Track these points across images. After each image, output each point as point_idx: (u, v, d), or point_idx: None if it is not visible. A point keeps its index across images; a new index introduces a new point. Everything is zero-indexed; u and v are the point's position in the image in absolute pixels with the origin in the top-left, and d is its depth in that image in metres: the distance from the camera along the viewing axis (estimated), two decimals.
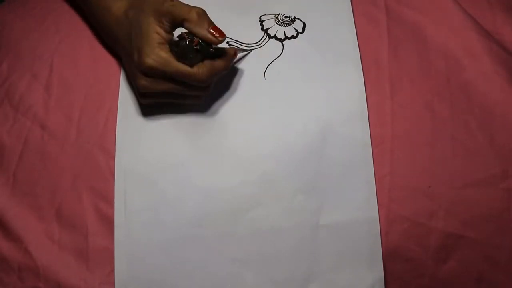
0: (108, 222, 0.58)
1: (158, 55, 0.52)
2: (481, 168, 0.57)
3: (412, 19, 0.63)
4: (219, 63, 0.55)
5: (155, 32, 0.53)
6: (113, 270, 0.57)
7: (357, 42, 0.62)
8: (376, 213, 0.56)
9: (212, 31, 0.54)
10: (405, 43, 0.62)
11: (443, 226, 0.56)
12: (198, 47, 0.54)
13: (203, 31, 0.53)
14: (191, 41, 0.53)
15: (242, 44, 0.63)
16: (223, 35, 0.54)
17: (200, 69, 0.54)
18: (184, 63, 0.53)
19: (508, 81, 0.59)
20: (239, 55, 0.61)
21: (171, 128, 0.59)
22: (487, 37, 0.61)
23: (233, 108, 0.60)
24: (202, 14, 0.54)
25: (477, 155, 0.57)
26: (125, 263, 0.57)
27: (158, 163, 0.58)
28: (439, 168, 0.57)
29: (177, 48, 0.54)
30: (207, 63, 0.54)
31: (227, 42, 0.63)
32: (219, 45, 0.55)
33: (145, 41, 0.53)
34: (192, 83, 0.54)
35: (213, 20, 0.55)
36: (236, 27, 0.63)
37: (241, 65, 0.62)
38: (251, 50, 0.62)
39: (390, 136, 0.58)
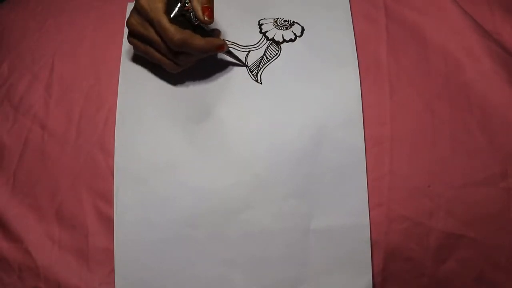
0: (108, 222, 0.58)
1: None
2: (481, 168, 0.57)
3: (411, 19, 0.63)
4: (198, 40, 0.56)
5: None
6: (113, 270, 0.57)
7: (355, 46, 0.62)
8: (367, 220, 0.56)
9: (204, 8, 0.56)
10: (404, 43, 0.62)
11: (442, 225, 0.56)
12: (185, 13, 0.56)
13: (196, 3, 0.56)
14: (183, 4, 0.56)
15: (240, 47, 0.63)
16: (210, 17, 0.56)
17: (176, 30, 0.55)
18: (168, 18, 0.55)
19: (507, 81, 0.59)
20: (227, 55, 0.62)
21: (167, 129, 0.60)
22: (486, 37, 0.61)
23: (228, 109, 0.60)
24: None
25: (476, 155, 0.57)
26: (125, 263, 0.57)
27: (150, 162, 0.59)
28: (439, 168, 0.57)
29: (168, 1, 0.56)
30: (187, 31, 0.56)
31: None
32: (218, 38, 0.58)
33: None
34: (163, 37, 0.56)
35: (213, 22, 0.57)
36: (234, 30, 0.63)
37: (237, 67, 0.62)
38: (244, 63, 0.62)
39: (389, 136, 0.58)
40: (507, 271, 0.57)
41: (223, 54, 0.62)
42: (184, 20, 0.57)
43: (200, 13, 0.56)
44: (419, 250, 0.56)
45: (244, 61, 0.62)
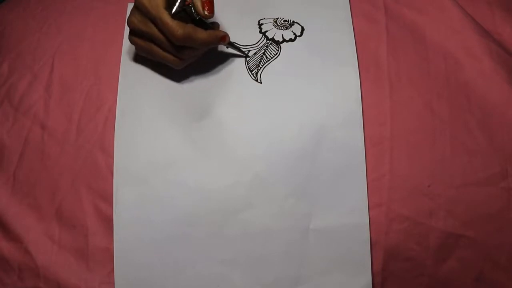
0: (108, 222, 0.58)
1: None
2: (481, 168, 0.57)
3: (411, 19, 0.63)
4: (201, 34, 0.57)
5: None
6: (113, 270, 0.57)
7: (355, 46, 0.62)
8: (366, 220, 0.56)
9: (204, 2, 0.56)
10: (404, 43, 0.62)
11: (442, 225, 0.56)
12: (186, 7, 0.56)
13: None
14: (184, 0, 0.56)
15: (240, 46, 0.63)
16: (210, 12, 0.56)
17: (178, 25, 0.55)
18: (170, 14, 0.55)
19: (507, 81, 0.59)
20: (229, 49, 0.62)
21: (167, 128, 0.60)
22: (486, 36, 0.61)
23: (227, 108, 0.60)
24: None
25: (476, 155, 0.57)
26: (125, 263, 0.57)
27: (150, 162, 0.59)
28: (439, 167, 0.57)
29: None
30: (189, 25, 0.56)
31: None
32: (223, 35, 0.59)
33: None
34: (165, 33, 0.56)
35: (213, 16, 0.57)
36: (234, 29, 0.63)
37: (237, 66, 0.62)
38: (246, 54, 0.63)
39: (389, 135, 0.58)
40: (507, 270, 0.57)
41: (225, 46, 0.62)
42: (185, 15, 0.57)
43: (200, 7, 0.56)
44: (419, 250, 0.56)
45: (244, 60, 0.62)
